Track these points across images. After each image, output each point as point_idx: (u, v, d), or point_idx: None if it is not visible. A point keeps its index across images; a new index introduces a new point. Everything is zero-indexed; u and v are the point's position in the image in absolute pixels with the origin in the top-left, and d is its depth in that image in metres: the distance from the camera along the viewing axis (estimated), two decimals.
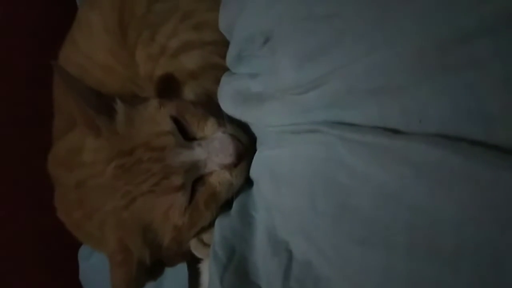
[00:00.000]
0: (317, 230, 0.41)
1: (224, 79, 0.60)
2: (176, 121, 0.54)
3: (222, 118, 0.56)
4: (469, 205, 0.30)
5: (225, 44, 0.62)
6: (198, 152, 0.53)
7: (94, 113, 0.53)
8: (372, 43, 0.36)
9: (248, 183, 0.57)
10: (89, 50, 0.69)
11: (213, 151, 0.53)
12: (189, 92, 0.63)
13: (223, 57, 0.61)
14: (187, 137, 0.54)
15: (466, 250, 0.30)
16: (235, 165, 0.53)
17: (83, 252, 0.98)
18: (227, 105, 0.56)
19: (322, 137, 0.42)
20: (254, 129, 0.56)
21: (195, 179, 0.53)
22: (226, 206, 0.56)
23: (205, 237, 0.55)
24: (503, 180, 0.28)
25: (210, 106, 0.59)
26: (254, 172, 0.55)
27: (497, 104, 0.29)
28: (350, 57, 0.37)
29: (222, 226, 0.52)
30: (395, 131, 0.35)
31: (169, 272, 0.66)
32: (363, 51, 0.36)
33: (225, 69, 0.62)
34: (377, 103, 0.35)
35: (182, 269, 0.65)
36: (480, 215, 0.29)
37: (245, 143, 0.55)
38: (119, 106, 0.55)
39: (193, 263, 0.60)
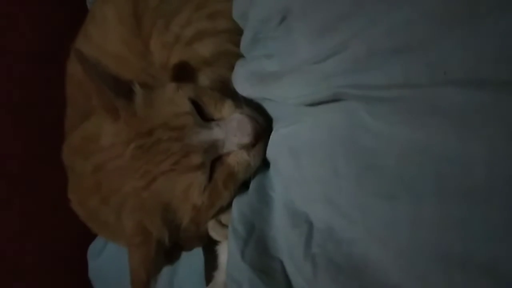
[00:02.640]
0: (340, 194, 0.42)
1: (239, 63, 0.61)
2: (193, 103, 0.55)
3: (239, 100, 0.57)
4: (498, 141, 0.31)
5: (238, 32, 0.63)
6: (216, 132, 0.53)
7: (113, 95, 0.54)
8: (393, 1, 0.37)
9: (264, 165, 0.58)
10: (103, 42, 0.70)
11: (231, 131, 0.53)
12: (204, 79, 0.64)
13: (237, 45, 0.63)
14: (205, 118, 0.55)
15: (498, 186, 0.30)
16: (253, 145, 0.54)
17: (92, 250, 0.98)
18: (243, 86, 0.57)
19: (342, 105, 0.42)
20: (270, 108, 0.57)
21: (214, 159, 0.54)
22: (244, 187, 0.56)
23: (223, 218, 0.56)
24: None
25: (225, 92, 0.60)
26: (270, 152, 0.55)
27: None
28: (370, 20, 0.38)
29: (240, 203, 0.53)
30: (418, 85, 0.35)
31: (183, 257, 0.66)
32: (383, 11, 0.37)
33: (238, 57, 0.63)
34: (400, 62, 0.36)
35: (196, 254, 0.65)
36: (510, 149, 0.30)
37: (262, 123, 0.56)
38: (137, 89, 0.56)
39: (210, 247, 0.60)
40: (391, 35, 0.37)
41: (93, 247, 0.98)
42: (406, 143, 0.36)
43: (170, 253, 0.57)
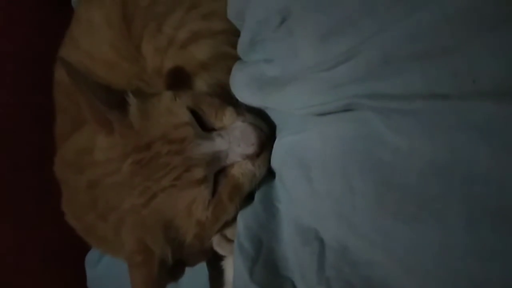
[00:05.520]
0: (355, 212, 0.39)
1: (236, 67, 0.57)
2: (193, 112, 0.52)
3: (240, 107, 0.54)
4: None
5: (235, 33, 0.60)
6: (218, 143, 0.51)
7: (106, 108, 0.51)
8: (411, 5, 0.34)
9: (269, 174, 0.55)
10: (91, 47, 0.66)
11: (235, 141, 0.50)
12: (202, 84, 0.61)
13: (234, 46, 0.59)
14: (205, 128, 0.52)
15: None
16: (257, 155, 0.51)
17: (90, 259, 0.96)
18: (243, 94, 0.54)
19: (355, 115, 0.39)
20: (273, 115, 0.54)
21: (217, 171, 0.51)
22: (248, 198, 0.54)
23: (229, 232, 0.53)
24: None
25: (224, 97, 0.56)
26: (275, 161, 0.52)
27: None
28: (384, 23, 0.35)
29: (246, 216, 0.50)
30: (445, 96, 0.32)
31: (186, 272, 0.64)
32: (400, 15, 0.34)
33: (236, 59, 0.60)
34: (421, 68, 0.33)
35: (199, 265, 0.62)
36: None
37: (266, 131, 0.53)
38: (132, 99, 0.53)
39: (214, 261, 0.57)
40: (410, 40, 0.34)
41: (91, 256, 0.95)
42: (429, 159, 0.33)
43: (173, 270, 0.54)
